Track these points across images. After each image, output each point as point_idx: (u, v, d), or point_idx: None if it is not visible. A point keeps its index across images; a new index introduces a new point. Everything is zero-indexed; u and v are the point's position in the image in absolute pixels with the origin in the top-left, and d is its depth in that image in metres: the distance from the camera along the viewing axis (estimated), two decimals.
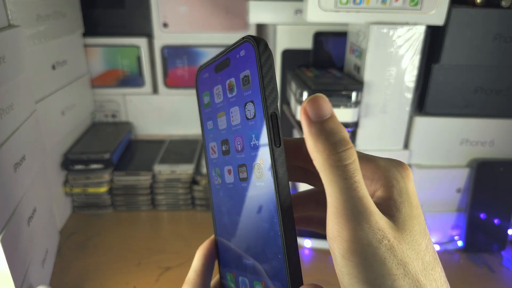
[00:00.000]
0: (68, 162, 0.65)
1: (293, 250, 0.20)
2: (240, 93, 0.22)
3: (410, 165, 0.58)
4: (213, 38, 0.75)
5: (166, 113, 0.81)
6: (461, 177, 0.58)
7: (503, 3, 0.51)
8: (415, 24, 0.50)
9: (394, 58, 0.51)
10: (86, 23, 0.73)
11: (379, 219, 0.18)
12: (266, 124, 0.20)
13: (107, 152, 0.66)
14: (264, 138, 0.21)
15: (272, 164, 0.20)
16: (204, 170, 0.68)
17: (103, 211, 0.68)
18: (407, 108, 0.54)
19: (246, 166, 0.22)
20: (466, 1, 0.52)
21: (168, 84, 0.79)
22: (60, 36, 0.62)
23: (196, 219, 0.67)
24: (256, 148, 0.21)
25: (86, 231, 0.63)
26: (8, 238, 0.39)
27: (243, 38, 0.21)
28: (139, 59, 0.76)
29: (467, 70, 0.54)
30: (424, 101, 0.56)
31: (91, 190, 0.66)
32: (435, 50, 0.54)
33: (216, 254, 0.27)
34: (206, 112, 0.26)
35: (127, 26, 0.75)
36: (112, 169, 0.68)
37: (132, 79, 0.78)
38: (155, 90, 0.80)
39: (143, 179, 0.67)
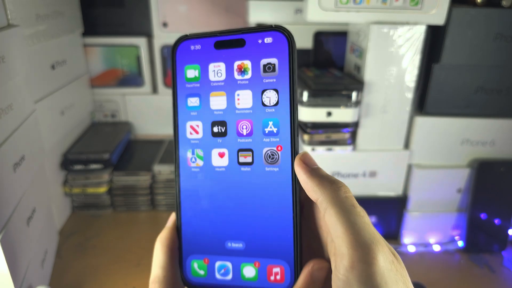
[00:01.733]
0: (67, 162, 0.65)
1: (300, 231, 0.23)
2: (257, 78, 0.23)
3: (410, 165, 0.58)
4: None
5: (166, 113, 0.81)
6: (461, 177, 0.58)
7: (504, 3, 0.50)
8: (416, 23, 0.50)
9: (394, 58, 0.51)
10: (86, 22, 0.73)
11: (384, 242, 0.19)
12: (291, 114, 0.22)
13: (107, 152, 0.66)
14: (287, 126, 0.22)
15: (292, 151, 0.22)
16: None
17: (103, 212, 0.68)
18: (407, 108, 0.54)
19: (252, 151, 0.23)
20: (466, 1, 0.52)
21: (168, 84, 0.79)
22: (60, 35, 0.62)
23: None
24: (272, 134, 0.22)
25: (85, 231, 0.63)
26: (7, 239, 0.39)
27: (271, 26, 0.22)
28: (138, 59, 0.76)
29: (467, 69, 0.54)
30: (424, 101, 0.56)
31: (90, 190, 0.66)
32: (436, 50, 0.53)
33: (179, 242, 0.25)
34: (187, 87, 0.24)
35: (127, 26, 0.75)
36: (111, 169, 0.68)
37: (132, 79, 0.78)
38: (154, 90, 0.80)
39: (143, 179, 0.67)
